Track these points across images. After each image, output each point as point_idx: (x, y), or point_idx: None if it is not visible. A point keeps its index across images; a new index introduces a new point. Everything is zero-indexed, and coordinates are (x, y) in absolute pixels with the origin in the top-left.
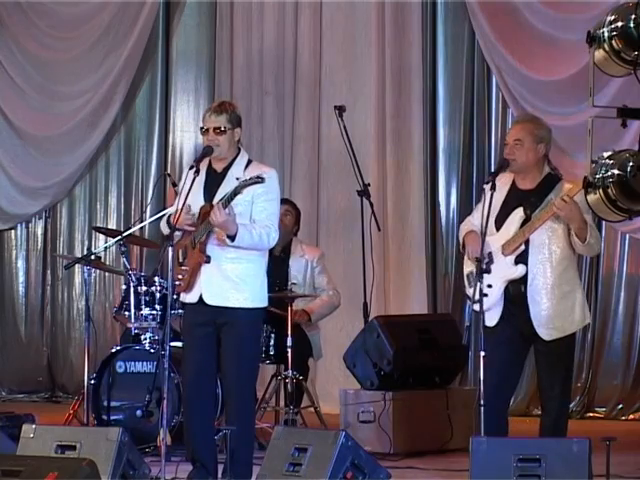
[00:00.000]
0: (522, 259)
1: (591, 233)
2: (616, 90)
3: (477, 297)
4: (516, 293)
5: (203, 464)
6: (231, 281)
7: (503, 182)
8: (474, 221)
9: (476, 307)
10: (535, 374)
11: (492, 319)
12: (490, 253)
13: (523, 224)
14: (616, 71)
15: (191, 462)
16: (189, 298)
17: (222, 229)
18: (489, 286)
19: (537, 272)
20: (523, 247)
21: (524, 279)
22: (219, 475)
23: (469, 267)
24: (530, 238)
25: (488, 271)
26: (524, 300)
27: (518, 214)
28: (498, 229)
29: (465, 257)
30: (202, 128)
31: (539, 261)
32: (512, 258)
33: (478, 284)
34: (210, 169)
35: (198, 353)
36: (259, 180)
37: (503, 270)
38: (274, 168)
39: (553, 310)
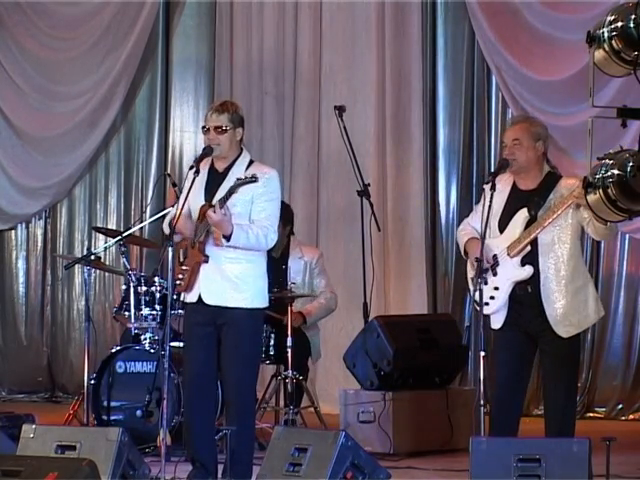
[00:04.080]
0: (529, 260)
1: None
2: (616, 90)
3: (481, 298)
4: (523, 294)
5: (203, 464)
6: (231, 281)
7: (504, 184)
8: (473, 224)
9: (486, 310)
10: (536, 374)
11: (499, 322)
12: (495, 255)
13: (528, 225)
14: (616, 71)
15: (191, 462)
16: (189, 298)
17: (218, 228)
18: (496, 288)
19: (549, 271)
20: (529, 248)
21: (531, 280)
22: (219, 475)
23: (473, 272)
24: (538, 238)
25: (495, 273)
26: (534, 300)
27: (522, 215)
28: (502, 231)
29: (468, 263)
30: (204, 127)
31: (550, 260)
32: (518, 259)
33: (479, 285)
34: (212, 169)
35: (198, 353)
36: (253, 179)
37: (510, 272)
38: (274, 168)
39: (569, 307)
